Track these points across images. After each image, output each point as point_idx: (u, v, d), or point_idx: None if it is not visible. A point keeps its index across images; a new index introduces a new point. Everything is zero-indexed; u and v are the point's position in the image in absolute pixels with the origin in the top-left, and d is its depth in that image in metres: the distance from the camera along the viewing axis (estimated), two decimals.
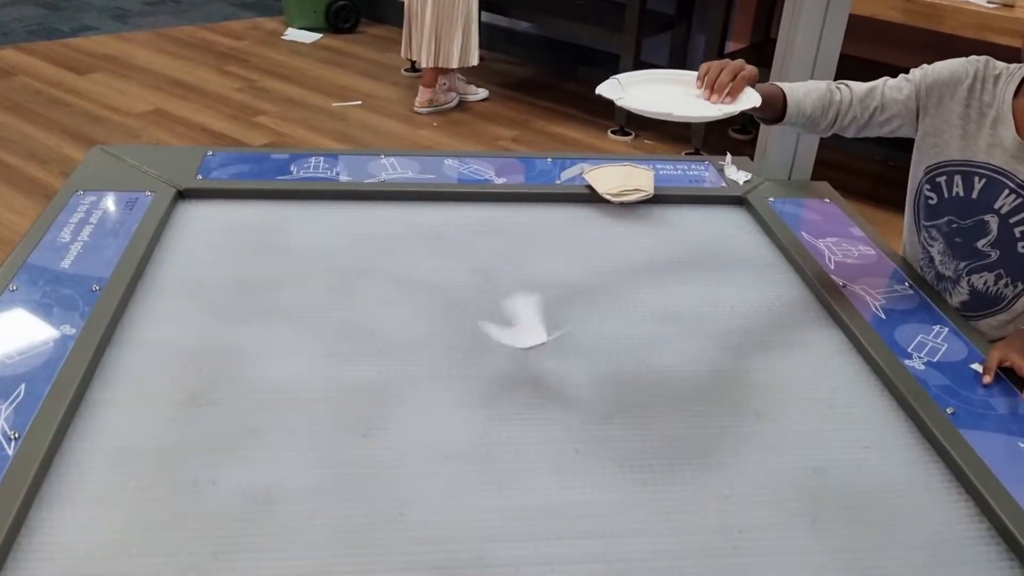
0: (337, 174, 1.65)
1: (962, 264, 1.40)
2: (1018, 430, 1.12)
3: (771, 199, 1.67)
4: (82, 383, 1.09)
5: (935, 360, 1.24)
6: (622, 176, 1.67)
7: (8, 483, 0.93)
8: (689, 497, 1.03)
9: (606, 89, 1.27)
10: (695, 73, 1.29)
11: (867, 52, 3.42)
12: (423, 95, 4.24)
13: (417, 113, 4.23)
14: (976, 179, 1.35)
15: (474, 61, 4.15)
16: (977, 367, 1.23)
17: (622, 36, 4.05)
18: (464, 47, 4.09)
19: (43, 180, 3.40)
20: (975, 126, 1.35)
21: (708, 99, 1.25)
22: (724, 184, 1.73)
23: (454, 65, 4.09)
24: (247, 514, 0.95)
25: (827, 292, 1.39)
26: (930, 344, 1.28)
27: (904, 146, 1.51)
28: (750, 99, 1.26)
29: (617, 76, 1.30)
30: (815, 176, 1.81)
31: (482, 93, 4.48)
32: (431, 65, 4.08)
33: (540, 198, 1.64)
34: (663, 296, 1.40)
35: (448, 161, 1.73)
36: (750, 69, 1.26)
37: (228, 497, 0.97)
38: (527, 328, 1.15)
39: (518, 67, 5.00)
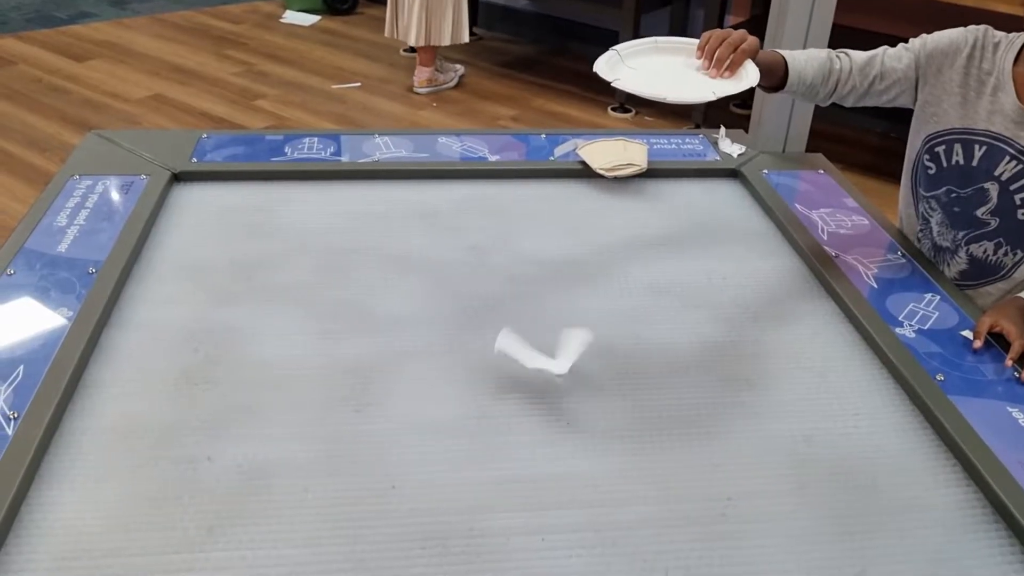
0: (331, 154, 1.65)
1: (961, 233, 1.40)
2: (1007, 396, 1.12)
3: (765, 171, 1.67)
4: (79, 364, 1.11)
5: (926, 328, 1.25)
6: (616, 151, 1.67)
7: (8, 462, 0.95)
8: (679, 466, 1.04)
9: (603, 67, 1.25)
10: (696, 42, 1.28)
11: (870, 24, 3.40)
12: (421, 74, 4.22)
13: (416, 93, 4.23)
14: (976, 147, 1.35)
15: (465, 38, 4.13)
16: (967, 334, 1.23)
17: (621, 12, 4.03)
18: (456, 24, 4.06)
19: (44, 168, 3.41)
20: (975, 94, 1.35)
21: (707, 70, 1.24)
22: (718, 157, 1.73)
23: (446, 43, 4.06)
24: (242, 489, 0.97)
25: (820, 263, 1.39)
26: (921, 312, 1.28)
27: (902, 118, 1.50)
28: (749, 77, 1.24)
29: (616, 47, 1.29)
30: (811, 149, 1.81)
31: (460, 69, 4.45)
32: (422, 44, 4.06)
33: (534, 174, 1.65)
34: (656, 269, 1.40)
35: (442, 139, 1.73)
36: (751, 41, 1.25)
37: (223, 473, 0.99)
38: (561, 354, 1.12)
39: (517, 46, 4.98)
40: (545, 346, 1.14)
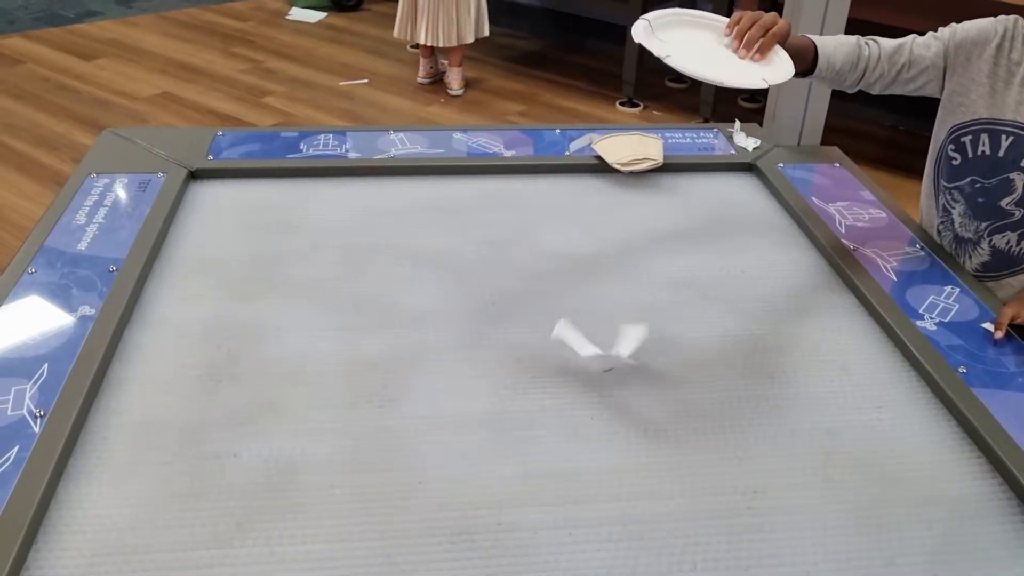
0: (347, 151, 1.66)
1: (984, 224, 1.39)
2: None
3: (781, 165, 1.67)
4: (103, 361, 1.11)
5: (946, 320, 1.25)
6: (631, 145, 1.67)
7: (36, 459, 0.95)
8: (704, 459, 1.04)
9: (643, 37, 1.23)
10: (723, 20, 1.28)
11: (886, 18, 3.38)
12: (456, 76, 4.21)
13: (454, 96, 4.22)
14: (1003, 137, 1.35)
15: (486, 32, 4.14)
16: (988, 326, 1.23)
17: (627, 6, 4.02)
18: (478, 20, 4.08)
19: (54, 166, 3.42)
20: (1003, 84, 1.34)
21: (736, 51, 1.24)
22: (733, 151, 1.73)
23: (471, 39, 4.07)
24: (269, 485, 0.97)
25: (838, 256, 1.39)
26: (941, 305, 1.28)
27: (915, 111, 1.50)
28: (784, 65, 1.24)
29: (647, 16, 1.28)
30: (825, 143, 1.80)
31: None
32: (451, 44, 4.05)
33: (549, 169, 1.65)
34: (674, 263, 1.40)
35: (457, 135, 1.73)
36: (782, 24, 1.25)
37: (250, 469, 0.99)
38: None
39: (524, 41, 4.97)
40: (558, 342, 1.14)
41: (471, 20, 4.03)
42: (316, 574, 0.88)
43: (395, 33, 4.13)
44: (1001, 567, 0.92)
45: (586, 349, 1.13)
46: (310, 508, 0.95)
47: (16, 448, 0.96)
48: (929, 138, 1.48)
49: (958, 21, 1.40)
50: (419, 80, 4.34)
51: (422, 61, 4.33)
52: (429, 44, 4.07)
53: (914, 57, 1.40)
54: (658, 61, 1.20)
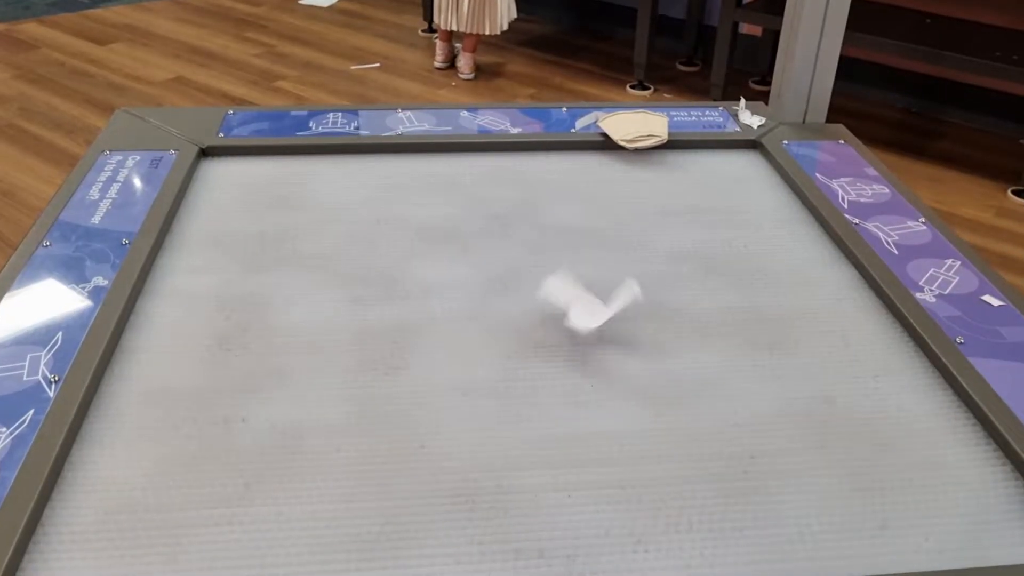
0: (355, 129, 1.68)
1: None
2: None
3: (785, 142, 1.68)
4: (116, 330, 1.14)
5: (946, 293, 1.26)
6: (636, 122, 1.68)
7: (50, 422, 0.98)
8: (702, 426, 1.06)
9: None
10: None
11: None
12: (468, 61, 4.23)
13: (465, 80, 4.24)
14: None
15: (514, 14, 4.16)
16: (988, 299, 1.24)
17: None
18: (508, 10, 4.10)
19: (69, 149, 3.47)
20: None
21: None
22: (738, 129, 1.74)
23: (502, 30, 4.09)
24: (276, 448, 1.00)
25: (840, 230, 1.40)
26: (941, 278, 1.29)
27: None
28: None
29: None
30: (832, 123, 1.81)
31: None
32: (476, 32, 4.07)
33: (555, 146, 1.66)
34: (677, 238, 1.42)
35: (464, 114, 1.75)
36: None
37: (258, 433, 1.02)
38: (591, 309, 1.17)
39: (535, 25, 4.97)
40: (560, 313, 1.16)
41: (507, 6, 4.05)
42: (320, 532, 0.91)
43: (438, 23, 4.13)
44: (992, 530, 0.94)
45: (574, 310, 1.16)
46: (315, 470, 0.98)
47: (32, 411, 1.00)
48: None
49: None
50: (436, 65, 4.35)
51: (440, 45, 4.34)
52: (473, 32, 4.08)
53: None
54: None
